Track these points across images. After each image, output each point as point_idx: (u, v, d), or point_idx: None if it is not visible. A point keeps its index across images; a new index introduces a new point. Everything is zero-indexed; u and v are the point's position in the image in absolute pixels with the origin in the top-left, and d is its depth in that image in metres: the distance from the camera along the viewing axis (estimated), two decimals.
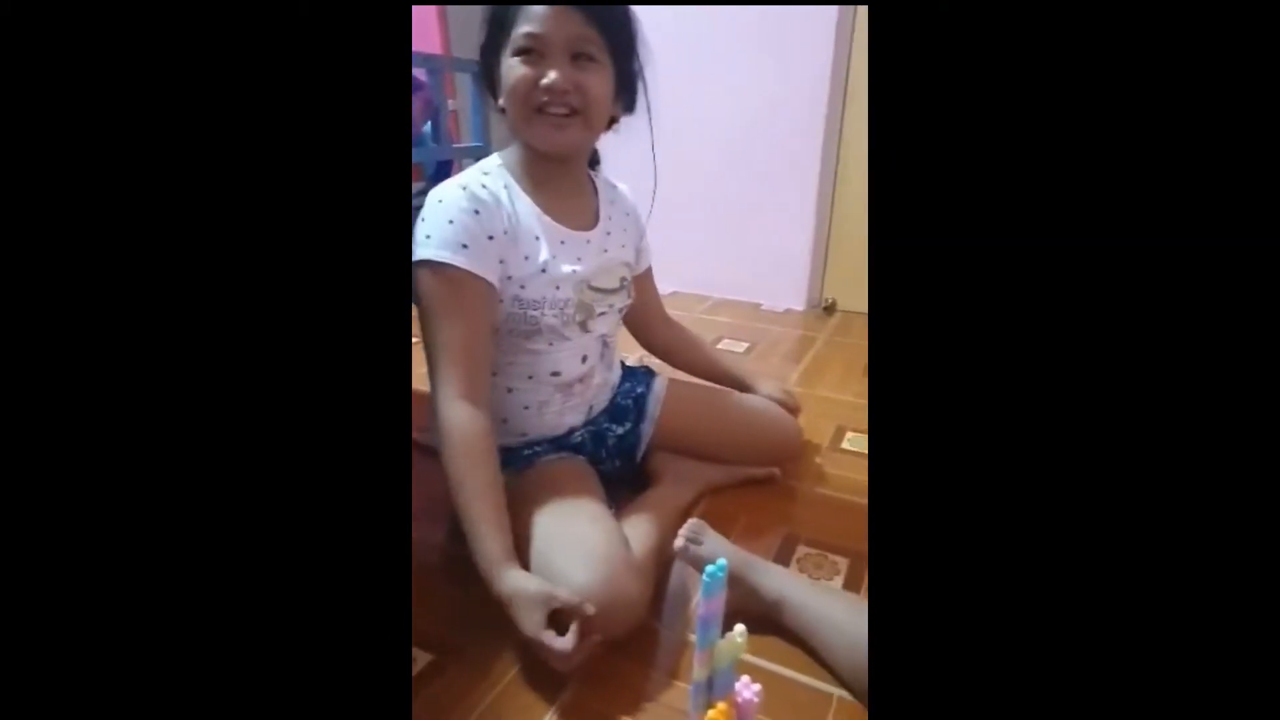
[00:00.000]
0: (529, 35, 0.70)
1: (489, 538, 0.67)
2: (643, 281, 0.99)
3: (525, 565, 0.69)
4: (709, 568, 0.48)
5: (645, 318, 1.04)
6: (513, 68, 0.71)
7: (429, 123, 0.91)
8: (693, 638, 0.71)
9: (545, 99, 0.71)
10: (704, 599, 0.49)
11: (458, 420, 0.70)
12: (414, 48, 0.80)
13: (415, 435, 1.16)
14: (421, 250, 0.72)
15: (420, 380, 1.38)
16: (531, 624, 0.61)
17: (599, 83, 0.73)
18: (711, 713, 0.49)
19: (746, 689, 0.52)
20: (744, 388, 1.06)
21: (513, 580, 0.64)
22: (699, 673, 0.51)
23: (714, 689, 0.52)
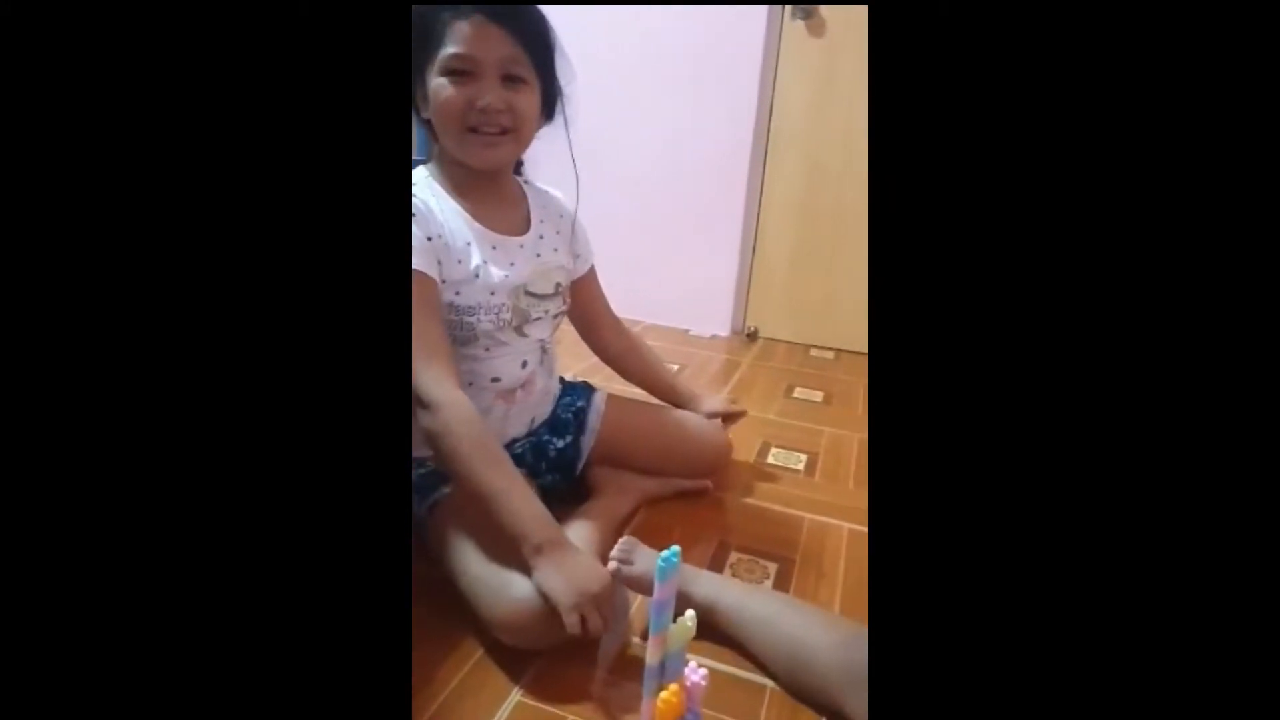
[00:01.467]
0: (459, 56, 0.71)
1: (534, 509, 0.68)
2: (586, 283, 1.00)
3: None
4: (663, 554, 0.51)
5: (594, 321, 1.05)
6: (442, 87, 0.73)
7: None
8: (636, 640, 0.74)
9: (478, 120, 0.74)
10: (658, 584, 0.52)
11: (461, 401, 0.70)
12: None
13: None
14: None
15: None
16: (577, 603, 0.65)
17: (528, 102, 0.77)
18: (664, 694, 0.52)
19: (694, 673, 0.55)
20: (687, 405, 1.10)
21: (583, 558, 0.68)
22: (652, 656, 0.54)
23: (665, 673, 0.55)
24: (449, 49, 0.71)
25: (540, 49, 0.76)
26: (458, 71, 0.72)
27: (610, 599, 0.67)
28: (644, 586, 0.76)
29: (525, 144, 0.80)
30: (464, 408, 0.71)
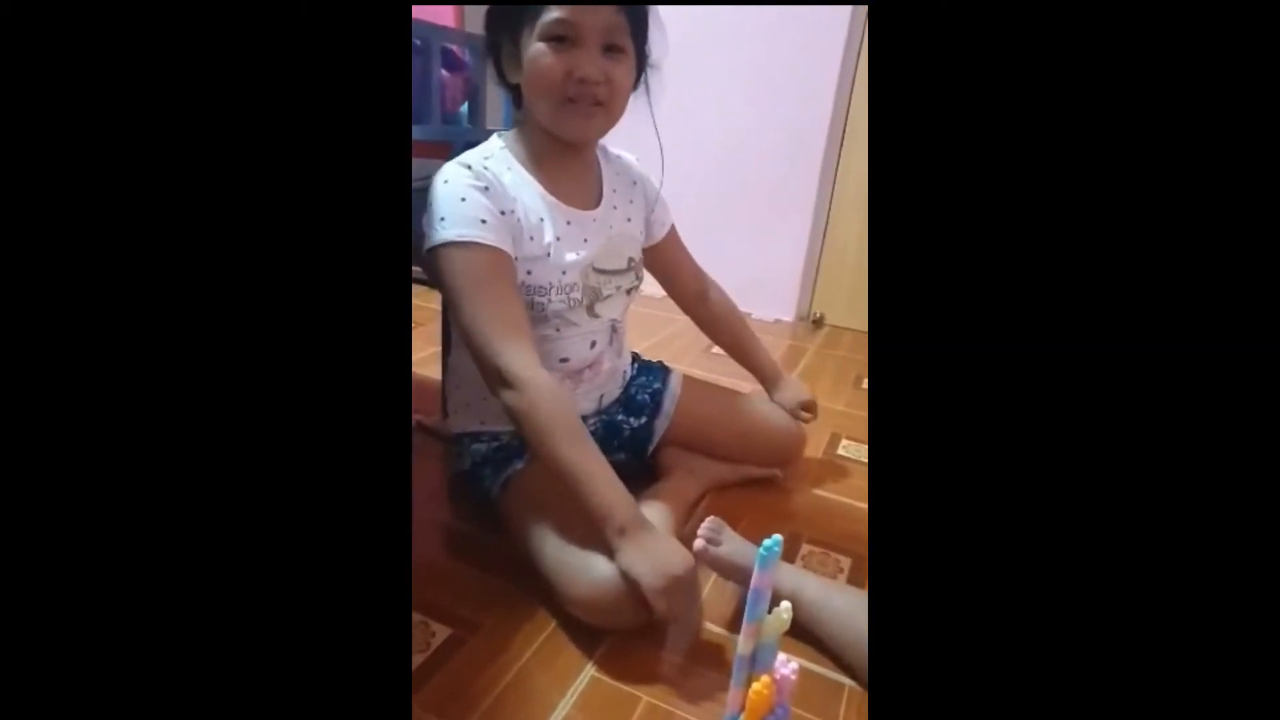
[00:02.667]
0: (561, 22, 0.68)
1: (618, 490, 0.67)
2: (668, 248, 0.97)
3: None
4: (765, 542, 0.49)
5: (678, 287, 1.03)
6: (541, 54, 0.69)
7: (466, 104, 0.91)
8: (710, 626, 0.73)
9: (576, 90, 0.71)
10: (758, 571, 0.50)
11: (546, 379, 0.69)
12: (444, 24, 0.80)
13: (421, 419, 1.16)
14: (441, 232, 0.70)
15: (419, 366, 1.38)
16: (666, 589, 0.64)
17: (625, 74, 0.73)
18: (757, 684, 0.50)
19: (785, 665, 0.53)
20: (767, 384, 1.07)
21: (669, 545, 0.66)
22: (744, 645, 0.52)
23: (756, 663, 0.53)
24: (552, 13, 0.68)
25: (640, 17, 0.73)
26: (558, 38, 0.69)
27: (693, 584, 0.65)
28: (728, 569, 0.74)
29: (618, 117, 0.77)
30: (550, 385, 0.69)
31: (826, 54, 1.74)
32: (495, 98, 0.93)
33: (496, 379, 0.69)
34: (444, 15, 1.78)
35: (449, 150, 0.92)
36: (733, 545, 0.75)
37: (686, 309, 1.06)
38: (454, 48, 0.86)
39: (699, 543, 0.73)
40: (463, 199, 0.70)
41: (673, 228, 0.97)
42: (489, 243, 0.70)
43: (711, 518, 0.76)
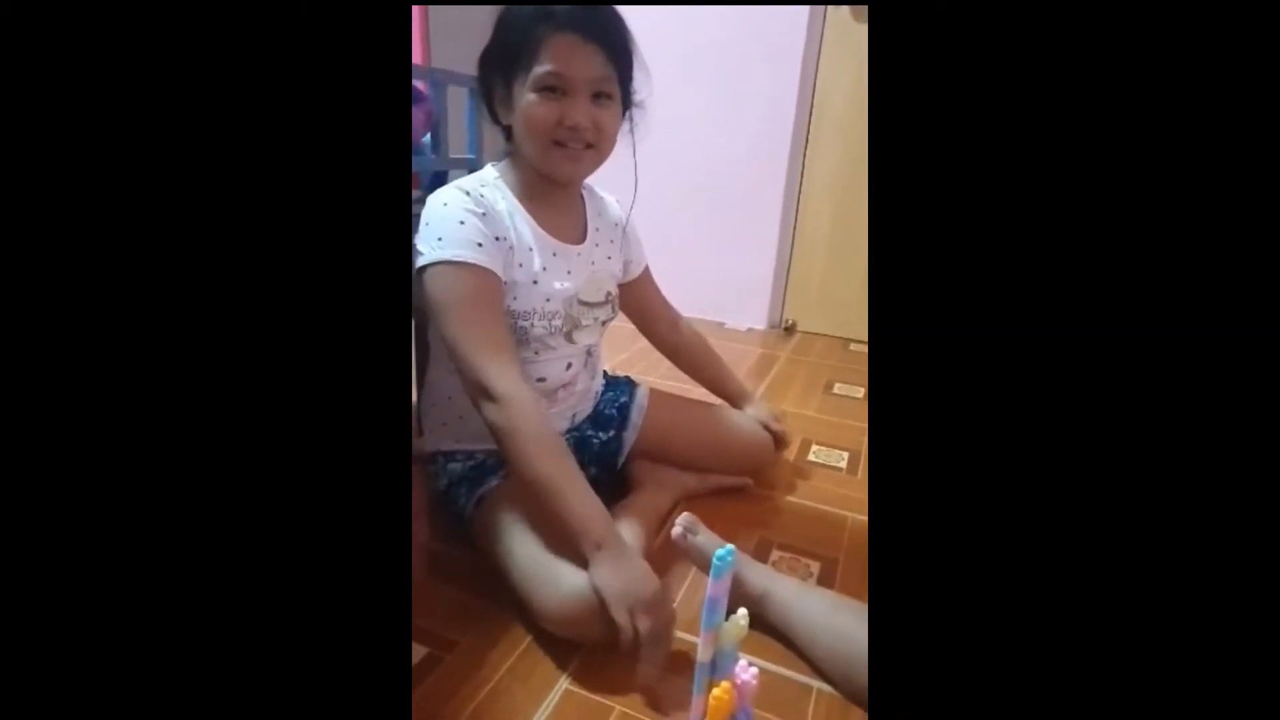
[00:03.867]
0: (553, 74, 0.72)
1: (595, 506, 0.69)
2: (642, 285, 1.03)
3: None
4: (719, 551, 0.52)
5: (651, 320, 1.08)
6: (534, 104, 0.73)
7: (428, 134, 0.94)
8: (683, 635, 0.75)
9: (566, 135, 0.75)
10: (712, 581, 0.52)
11: (527, 395, 0.72)
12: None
13: None
14: (438, 251, 0.73)
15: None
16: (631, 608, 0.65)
17: (613, 118, 0.78)
18: (717, 691, 0.52)
19: (745, 671, 0.55)
20: (735, 404, 1.11)
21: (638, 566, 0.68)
22: (703, 653, 0.54)
23: (716, 670, 0.56)
24: (544, 66, 0.71)
25: (626, 66, 0.77)
26: (550, 88, 0.73)
27: (660, 605, 0.67)
28: (700, 560, 0.77)
29: (605, 157, 0.81)
30: (530, 402, 0.72)
31: (787, 62, 1.78)
32: (459, 128, 0.96)
33: (480, 393, 0.72)
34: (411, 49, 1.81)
35: (417, 181, 0.94)
36: (707, 539, 0.78)
37: (657, 342, 1.12)
38: (417, 83, 0.88)
39: (676, 529, 0.76)
40: (461, 222, 0.74)
41: (646, 266, 1.03)
42: (483, 264, 0.74)
43: (686, 513, 0.79)
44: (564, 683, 0.69)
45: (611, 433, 0.99)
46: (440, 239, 0.74)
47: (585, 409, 0.98)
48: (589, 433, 0.98)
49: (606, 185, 0.96)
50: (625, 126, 0.83)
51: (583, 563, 0.69)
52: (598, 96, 0.75)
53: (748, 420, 1.08)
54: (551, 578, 0.70)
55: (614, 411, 1.01)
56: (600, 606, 0.66)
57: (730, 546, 0.52)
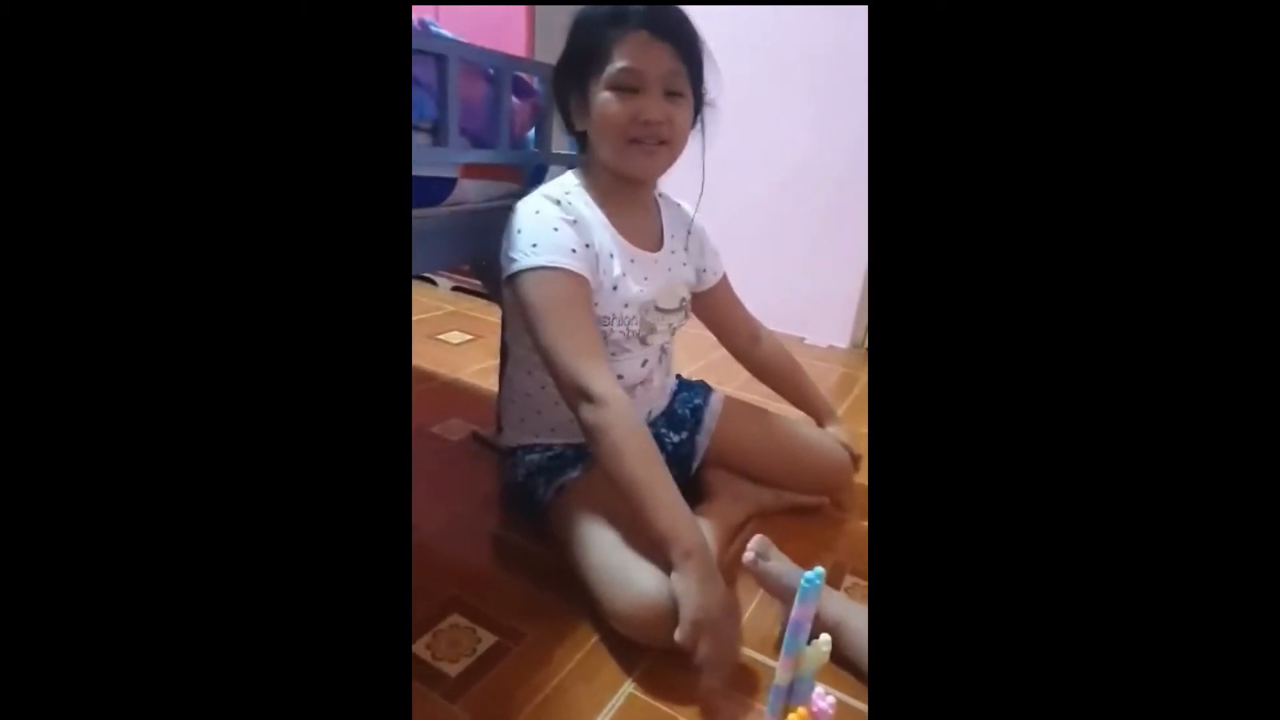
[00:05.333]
0: (627, 70, 0.74)
1: (686, 513, 0.69)
2: (720, 294, 1.02)
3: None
4: (806, 574, 0.50)
5: (729, 331, 1.07)
6: (608, 101, 0.75)
7: (534, 128, 0.95)
8: (751, 652, 0.73)
9: (641, 131, 0.76)
10: (798, 604, 0.50)
11: (624, 397, 0.73)
12: (506, 49, 0.84)
13: (477, 430, 1.20)
14: (533, 258, 0.75)
15: (476, 377, 1.42)
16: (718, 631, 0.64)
17: (685, 114, 0.79)
18: (792, 717, 0.50)
19: (822, 699, 0.53)
20: (819, 422, 1.08)
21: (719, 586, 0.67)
22: (782, 676, 0.53)
23: (793, 695, 0.54)
24: (617, 64, 0.74)
25: (696, 63, 0.78)
26: (624, 86, 0.75)
27: (729, 631, 0.66)
28: (774, 587, 0.75)
29: (678, 154, 0.82)
30: (626, 403, 0.72)
31: None
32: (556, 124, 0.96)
33: (577, 395, 0.73)
34: (516, 45, 1.85)
35: (519, 173, 0.96)
36: (780, 564, 0.75)
37: (737, 354, 1.10)
38: (524, 76, 0.90)
39: (749, 554, 0.74)
40: (555, 229, 0.76)
41: (724, 275, 1.02)
42: (578, 270, 0.76)
43: (759, 536, 0.77)
44: (628, 686, 0.68)
45: (685, 434, 0.99)
46: (535, 245, 0.75)
47: (660, 405, 0.99)
48: (663, 431, 0.98)
49: (691, 189, 0.95)
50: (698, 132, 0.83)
51: (662, 566, 0.68)
52: (670, 94, 0.76)
53: (826, 438, 1.05)
54: (626, 577, 0.69)
55: (688, 412, 1.00)
56: (671, 610, 0.65)
57: (820, 569, 0.50)
